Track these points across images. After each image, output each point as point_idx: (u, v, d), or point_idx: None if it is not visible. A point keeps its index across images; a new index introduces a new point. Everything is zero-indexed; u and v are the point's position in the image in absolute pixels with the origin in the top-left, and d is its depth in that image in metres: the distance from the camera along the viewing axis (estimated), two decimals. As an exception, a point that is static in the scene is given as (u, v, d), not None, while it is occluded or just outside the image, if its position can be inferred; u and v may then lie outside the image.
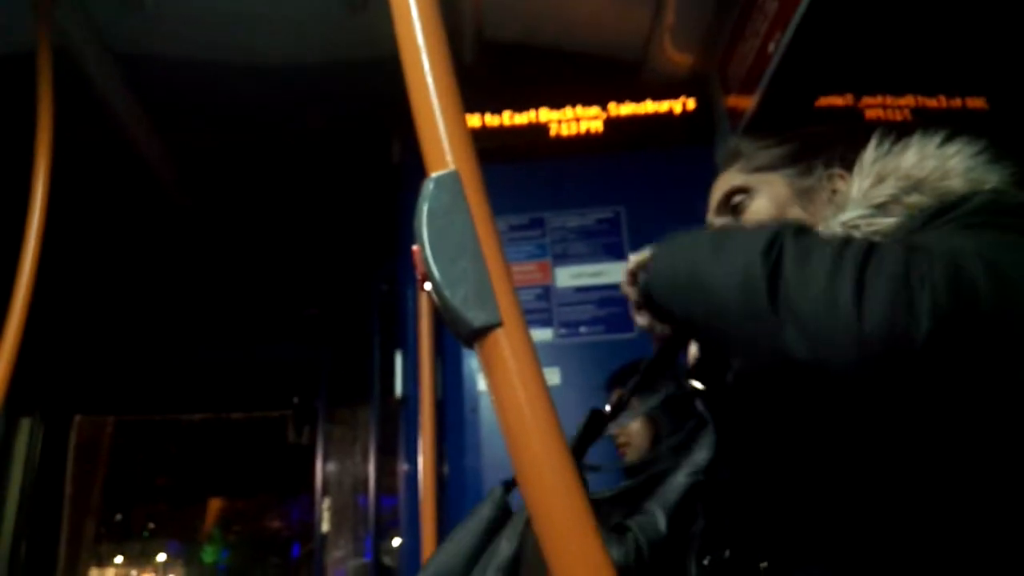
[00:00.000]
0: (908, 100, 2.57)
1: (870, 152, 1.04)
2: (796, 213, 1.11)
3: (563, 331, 2.66)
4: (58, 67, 2.29)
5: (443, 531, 2.48)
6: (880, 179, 0.99)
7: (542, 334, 2.64)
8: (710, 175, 2.97)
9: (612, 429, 2.04)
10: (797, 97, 2.32)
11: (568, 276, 2.73)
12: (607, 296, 2.68)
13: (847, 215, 0.99)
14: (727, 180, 1.20)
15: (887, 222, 0.95)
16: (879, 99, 2.57)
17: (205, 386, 5.17)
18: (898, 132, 1.04)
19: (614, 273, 2.71)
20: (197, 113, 3.35)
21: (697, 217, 2.83)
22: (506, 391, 0.65)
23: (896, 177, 0.98)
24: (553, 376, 2.56)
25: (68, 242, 3.71)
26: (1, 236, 2.38)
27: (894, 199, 0.96)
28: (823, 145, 1.16)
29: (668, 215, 2.75)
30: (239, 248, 4.58)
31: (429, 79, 0.74)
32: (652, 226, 2.77)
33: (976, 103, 2.56)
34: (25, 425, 4.44)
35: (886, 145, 1.03)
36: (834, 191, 1.09)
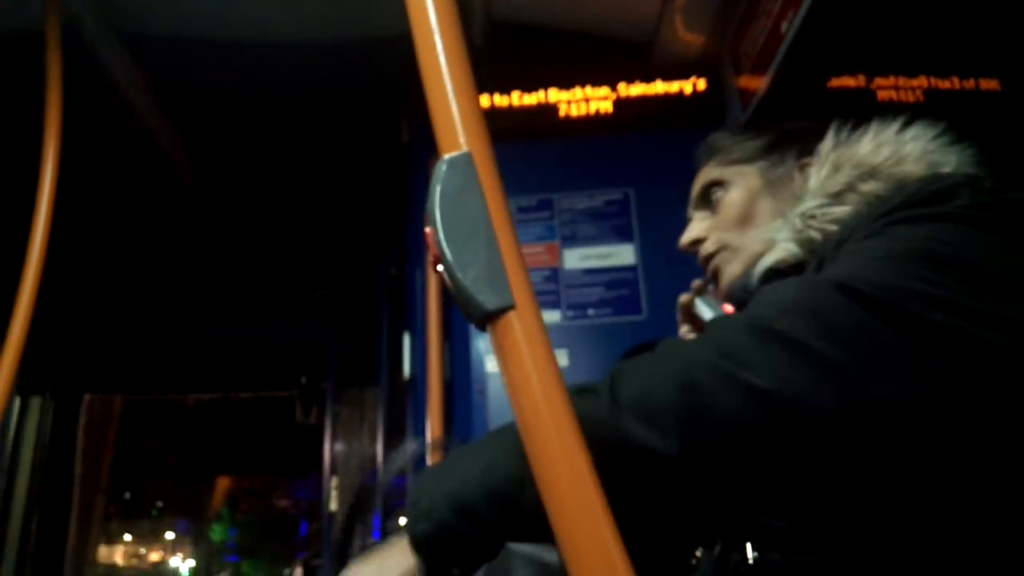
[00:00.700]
0: (921, 81, 2.55)
1: (828, 142, 1.05)
2: (766, 204, 1.12)
3: (571, 313, 2.66)
4: (66, 45, 2.29)
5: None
6: (836, 168, 1.00)
7: (550, 316, 2.64)
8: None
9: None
10: (809, 78, 2.31)
11: (576, 258, 2.72)
12: (615, 278, 2.68)
13: (804, 206, 1.00)
14: (705, 173, 1.21)
15: (842, 211, 0.95)
16: (891, 80, 2.54)
17: (214, 366, 5.20)
18: (898, 116, 1.02)
19: (623, 255, 2.71)
20: (205, 91, 3.34)
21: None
22: (518, 374, 0.65)
23: (851, 165, 0.98)
24: (561, 358, 2.56)
25: (77, 221, 3.72)
26: (12, 215, 2.39)
27: (849, 187, 0.97)
28: (798, 137, 1.16)
29: (677, 197, 2.75)
30: (247, 228, 4.59)
31: (442, 60, 0.73)
32: (661, 208, 2.79)
33: (989, 84, 2.53)
34: (35, 404, 4.48)
35: (843, 134, 1.04)
36: (805, 179, 1.08)
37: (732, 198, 1.14)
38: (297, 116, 3.55)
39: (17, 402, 4.28)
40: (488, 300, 0.66)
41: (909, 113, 1.01)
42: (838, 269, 0.76)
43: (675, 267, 2.64)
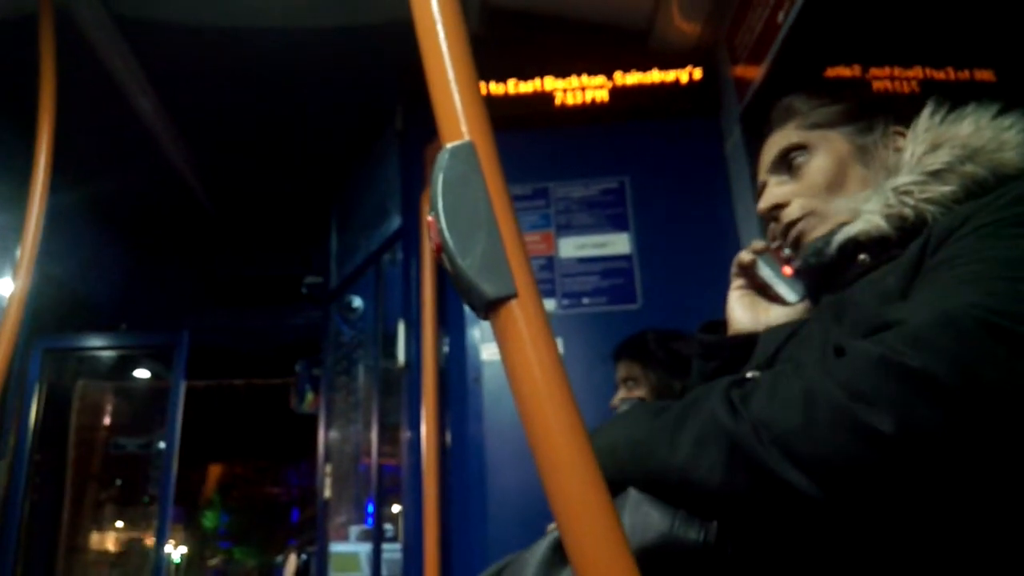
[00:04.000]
0: (916, 72, 2.55)
1: (924, 118, 1.02)
2: (857, 172, 1.08)
3: (566, 302, 2.66)
4: (60, 31, 2.27)
5: (444, 499, 2.51)
6: (934, 146, 0.97)
7: (545, 305, 2.64)
8: (716, 146, 2.97)
9: (617, 401, 2.05)
10: (805, 68, 2.30)
11: (572, 247, 2.73)
12: (611, 267, 2.68)
13: (900, 180, 0.98)
14: (783, 137, 1.15)
15: (941, 190, 0.93)
16: (887, 71, 2.55)
17: (208, 352, 5.20)
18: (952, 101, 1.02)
19: (618, 244, 2.71)
20: (200, 77, 3.33)
21: (702, 188, 2.83)
22: (520, 362, 0.66)
23: (952, 145, 0.96)
24: (559, 350, 2.57)
25: (72, 205, 3.71)
26: (8, 198, 2.38)
27: (949, 167, 0.94)
28: (885, 106, 1.13)
29: (673, 186, 2.77)
30: (241, 212, 4.58)
31: (444, 49, 0.73)
32: (657, 197, 2.79)
33: (984, 75, 2.54)
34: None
35: (941, 112, 1.01)
36: (896, 149, 1.06)
37: (819, 163, 1.10)
38: (294, 101, 3.54)
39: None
40: (490, 288, 0.66)
41: (1003, 101, 0.99)
42: (965, 279, 0.75)
43: (670, 256, 2.67)
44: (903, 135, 1.06)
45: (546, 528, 0.91)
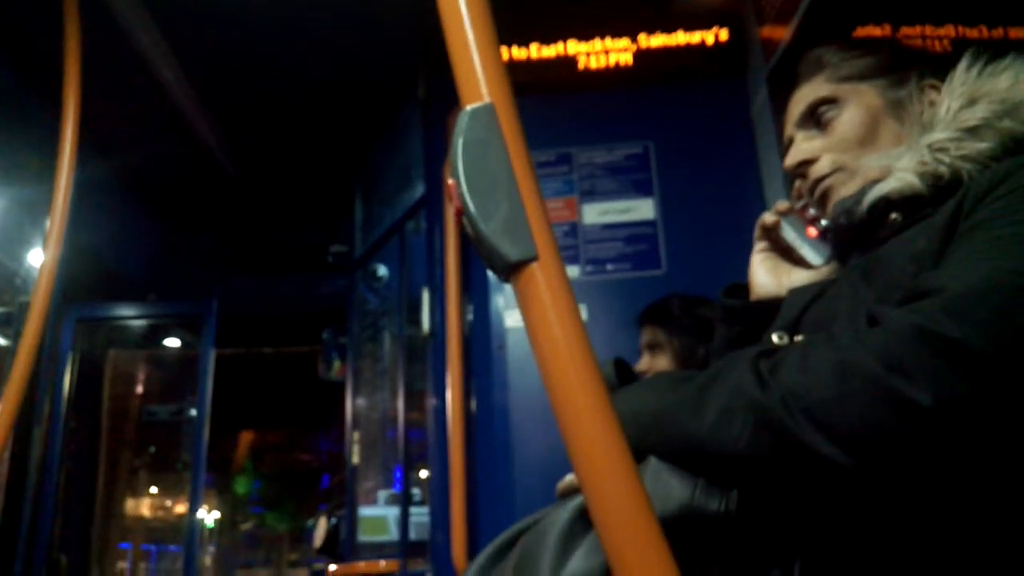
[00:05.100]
0: (948, 30, 2.49)
1: (960, 72, 0.98)
2: (890, 127, 1.05)
3: (590, 268, 2.66)
4: (84, 2, 2.28)
5: (470, 464, 2.53)
6: (971, 101, 0.93)
7: (569, 271, 2.62)
8: (743, 109, 2.92)
9: (641, 366, 2.05)
10: (834, 28, 2.26)
11: (595, 213, 2.71)
12: (635, 233, 2.67)
13: (935, 136, 0.94)
14: (812, 90, 1.11)
15: (979, 147, 0.90)
16: (918, 29, 2.49)
17: (236, 321, 5.26)
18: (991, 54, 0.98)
19: (642, 210, 2.69)
20: (223, 47, 3.33)
21: (727, 152, 2.80)
22: (541, 325, 0.66)
23: (989, 100, 0.92)
24: (580, 314, 2.57)
25: (99, 176, 3.74)
26: (37, 171, 2.40)
27: (986, 123, 0.90)
28: (918, 57, 1.09)
29: (698, 150, 2.74)
30: (267, 181, 4.61)
31: (464, 10, 0.72)
32: (682, 162, 2.76)
33: (1018, 33, 2.47)
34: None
35: (978, 65, 0.97)
36: (931, 103, 1.02)
37: (850, 117, 1.06)
38: (317, 69, 3.54)
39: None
40: (511, 251, 0.66)
41: None
42: (1005, 242, 0.72)
43: (695, 222, 2.64)
44: (937, 89, 1.02)
45: (556, 486, 0.91)
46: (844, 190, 1.05)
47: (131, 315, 5.09)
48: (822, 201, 1.09)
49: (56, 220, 2.07)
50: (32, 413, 4.15)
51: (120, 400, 5.95)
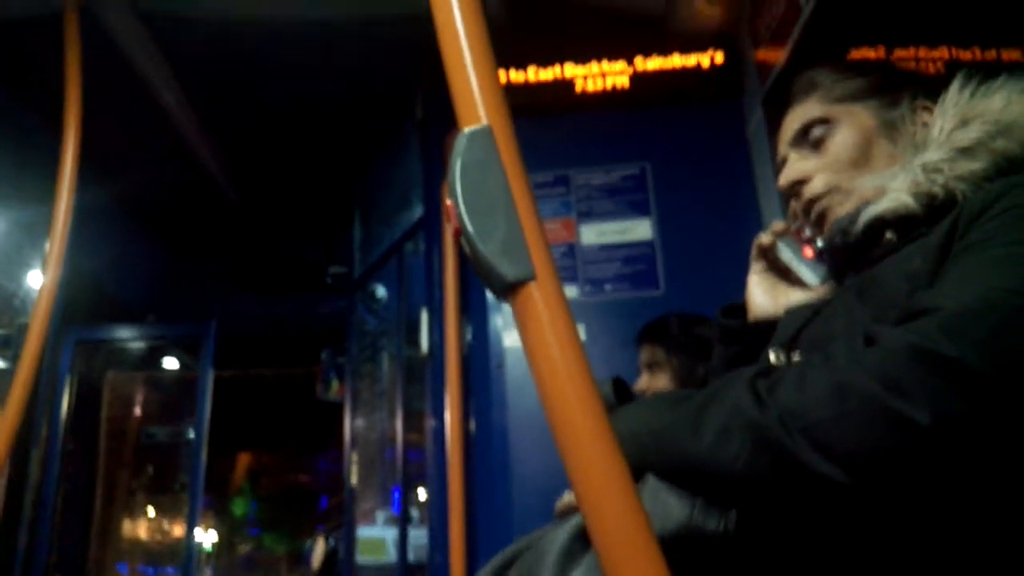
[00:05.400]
0: (941, 52, 2.51)
1: (953, 93, 0.98)
2: (883, 147, 1.05)
3: (588, 288, 2.66)
4: (85, 26, 2.30)
5: (469, 485, 2.52)
6: (965, 121, 0.94)
7: (567, 292, 2.63)
8: (738, 130, 2.95)
9: (640, 385, 2.05)
10: (829, 50, 2.28)
11: (593, 234, 2.72)
12: (632, 254, 2.68)
13: (929, 156, 0.94)
14: (805, 111, 1.11)
15: (972, 167, 0.90)
16: (912, 51, 2.51)
17: (235, 342, 5.26)
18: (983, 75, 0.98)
19: (640, 230, 2.70)
20: (222, 70, 3.35)
21: (724, 173, 2.82)
22: (539, 344, 0.66)
23: (982, 120, 0.93)
24: (579, 333, 2.57)
25: (99, 199, 3.76)
26: (38, 194, 2.41)
27: (980, 143, 0.91)
28: (910, 79, 1.10)
29: (695, 171, 2.75)
30: (266, 203, 4.62)
31: (461, 32, 0.74)
32: (679, 183, 2.78)
33: (1011, 55, 2.50)
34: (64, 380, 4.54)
35: (971, 86, 0.98)
36: (924, 124, 1.02)
37: (843, 138, 1.07)
38: (315, 91, 3.56)
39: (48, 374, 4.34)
40: (509, 271, 0.67)
41: None
42: (999, 262, 0.73)
43: (692, 242, 2.66)
44: (930, 110, 1.02)
45: (555, 502, 0.90)
46: (839, 211, 1.05)
47: (130, 336, 5.09)
48: (818, 221, 1.09)
49: (56, 242, 2.08)
50: (30, 435, 4.13)
51: (118, 422, 5.93)
